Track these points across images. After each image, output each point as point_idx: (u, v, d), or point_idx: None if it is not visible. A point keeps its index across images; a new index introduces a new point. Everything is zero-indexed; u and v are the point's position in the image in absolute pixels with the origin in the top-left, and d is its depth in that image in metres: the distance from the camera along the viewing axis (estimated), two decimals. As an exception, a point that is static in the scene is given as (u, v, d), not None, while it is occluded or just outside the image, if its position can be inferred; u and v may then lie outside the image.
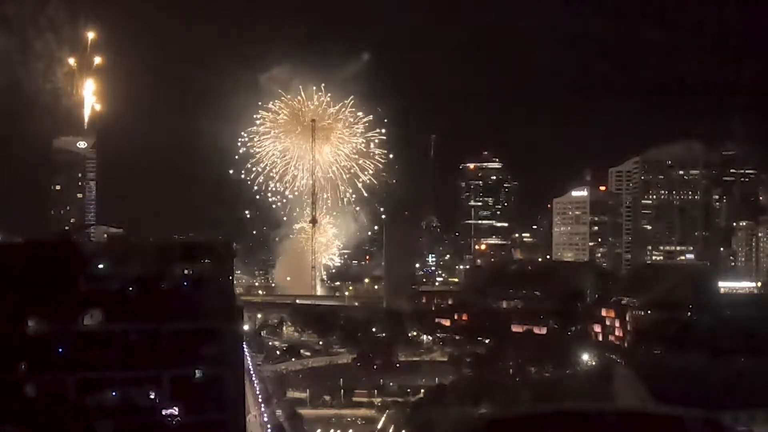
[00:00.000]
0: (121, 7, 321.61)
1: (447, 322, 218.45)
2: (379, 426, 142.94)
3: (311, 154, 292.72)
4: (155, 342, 60.53)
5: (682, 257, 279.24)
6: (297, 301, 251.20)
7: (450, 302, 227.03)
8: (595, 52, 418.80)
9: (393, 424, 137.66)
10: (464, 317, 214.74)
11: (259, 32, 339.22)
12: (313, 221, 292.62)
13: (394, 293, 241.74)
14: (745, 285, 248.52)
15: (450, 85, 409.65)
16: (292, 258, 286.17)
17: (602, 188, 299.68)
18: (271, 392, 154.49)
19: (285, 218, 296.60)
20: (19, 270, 59.69)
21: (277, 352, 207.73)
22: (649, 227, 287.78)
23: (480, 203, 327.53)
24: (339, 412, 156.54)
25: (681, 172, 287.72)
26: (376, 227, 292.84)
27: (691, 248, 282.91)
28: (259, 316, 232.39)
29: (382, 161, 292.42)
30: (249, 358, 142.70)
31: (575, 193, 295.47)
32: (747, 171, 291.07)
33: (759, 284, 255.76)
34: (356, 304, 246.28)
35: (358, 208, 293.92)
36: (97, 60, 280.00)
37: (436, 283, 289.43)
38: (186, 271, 64.63)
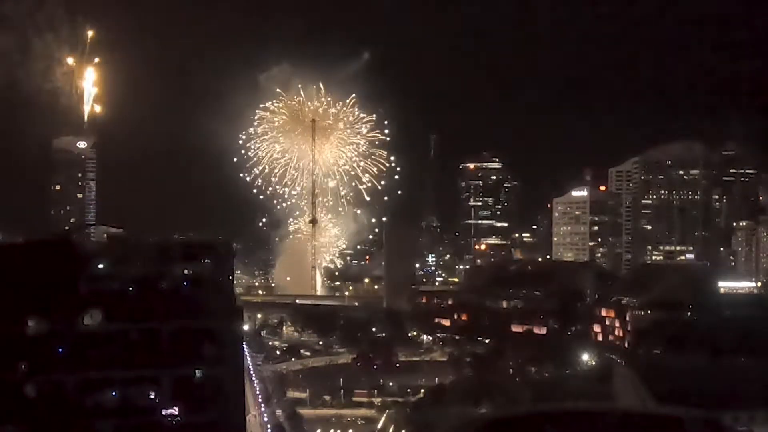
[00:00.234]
0: (121, 6, 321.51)
1: (447, 322, 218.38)
2: (379, 426, 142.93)
3: (311, 154, 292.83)
4: (155, 342, 60.51)
5: (682, 257, 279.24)
6: (297, 301, 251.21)
7: (450, 302, 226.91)
8: (595, 52, 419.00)
9: (393, 424, 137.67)
10: (464, 317, 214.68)
11: (259, 32, 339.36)
12: (313, 221, 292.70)
13: (394, 293, 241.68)
14: (745, 285, 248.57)
15: (450, 85, 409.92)
16: (292, 258, 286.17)
17: (602, 188, 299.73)
18: (271, 392, 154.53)
19: (286, 218, 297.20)
20: (19, 270, 59.67)
21: (277, 352, 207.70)
22: (649, 227, 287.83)
23: (480, 203, 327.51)
24: (339, 412, 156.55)
25: (681, 172, 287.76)
26: (376, 227, 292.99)
27: (691, 248, 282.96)
28: (259, 316, 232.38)
29: (383, 161, 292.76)
30: (249, 358, 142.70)
31: (575, 193, 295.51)
32: (747, 171, 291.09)
33: (759, 284, 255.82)
34: (356, 304, 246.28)
35: (359, 212, 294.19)
36: (97, 60, 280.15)
37: (436, 283, 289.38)
38: (186, 271, 64.58)
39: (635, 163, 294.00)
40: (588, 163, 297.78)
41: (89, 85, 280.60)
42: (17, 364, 58.52)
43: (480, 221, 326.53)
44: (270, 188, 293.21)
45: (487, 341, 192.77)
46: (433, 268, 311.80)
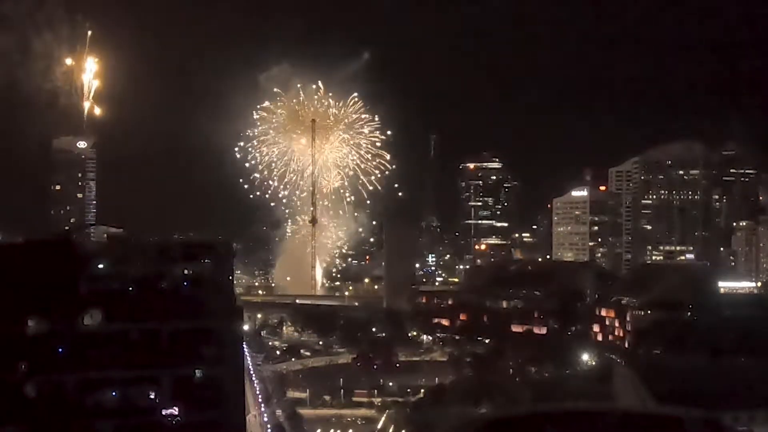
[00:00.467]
0: (121, 5, 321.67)
1: (447, 322, 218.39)
2: (379, 426, 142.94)
3: (311, 155, 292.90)
4: (155, 342, 60.51)
5: (682, 257, 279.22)
6: (297, 301, 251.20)
7: (450, 302, 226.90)
8: (596, 52, 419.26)
9: (393, 424, 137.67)
10: (464, 317, 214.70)
11: (258, 32, 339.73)
12: (313, 221, 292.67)
13: (394, 293, 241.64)
14: (745, 285, 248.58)
15: (450, 85, 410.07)
16: (292, 258, 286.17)
17: (602, 188, 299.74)
18: (271, 392, 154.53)
19: (286, 218, 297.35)
20: (19, 270, 59.67)
21: (277, 352, 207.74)
22: (649, 227, 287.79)
23: (480, 203, 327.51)
24: (339, 412, 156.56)
25: (681, 172, 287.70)
26: (376, 227, 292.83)
27: (691, 248, 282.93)
28: (259, 316, 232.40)
29: (383, 161, 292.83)
30: (249, 358, 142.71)
31: (575, 193, 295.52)
32: (747, 171, 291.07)
33: (759, 284, 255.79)
34: (356, 304, 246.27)
35: (359, 212, 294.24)
36: (96, 60, 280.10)
37: (436, 283, 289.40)
38: (186, 271, 64.58)
39: (635, 163, 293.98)
40: (588, 163, 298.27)
41: (89, 78, 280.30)
42: (17, 364, 58.53)
43: (480, 221, 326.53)
44: (270, 188, 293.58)
45: (487, 341, 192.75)
46: (433, 268, 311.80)
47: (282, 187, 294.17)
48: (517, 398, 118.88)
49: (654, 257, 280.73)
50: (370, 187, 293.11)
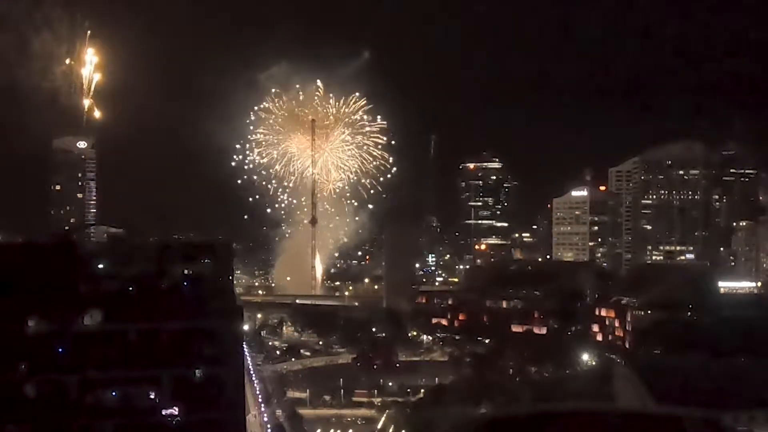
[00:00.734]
0: (121, 5, 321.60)
1: (447, 322, 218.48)
2: (379, 426, 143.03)
3: (311, 154, 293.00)
4: (155, 342, 60.52)
5: (682, 257, 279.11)
6: (297, 301, 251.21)
7: (450, 302, 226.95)
8: (596, 53, 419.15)
9: (393, 424, 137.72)
10: (464, 317, 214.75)
11: (258, 31, 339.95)
12: (313, 221, 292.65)
13: (394, 293, 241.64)
14: (745, 285, 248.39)
15: (450, 85, 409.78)
16: (292, 258, 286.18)
17: (602, 188, 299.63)
18: (271, 392, 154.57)
19: (285, 218, 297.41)
20: (19, 270, 59.68)
21: (277, 352, 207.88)
22: (649, 227, 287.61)
23: (480, 203, 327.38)
24: (339, 412, 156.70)
25: (681, 172, 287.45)
26: (376, 227, 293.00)
27: (691, 248, 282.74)
28: (259, 316, 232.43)
29: (383, 161, 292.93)
30: (249, 358, 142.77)
31: (575, 193, 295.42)
32: (747, 171, 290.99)
33: (759, 284, 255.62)
34: (356, 304, 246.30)
35: (359, 212, 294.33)
36: (96, 59, 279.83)
37: (436, 283, 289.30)
38: (186, 271, 64.60)
39: (635, 163, 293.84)
40: (588, 163, 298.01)
41: (89, 84, 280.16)
42: (17, 364, 58.53)
43: (480, 221, 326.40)
44: (270, 188, 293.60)
45: (487, 341, 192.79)
46: (433, 268, 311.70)
47: (282, 187, 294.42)
48: (517, 398, 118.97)
49: (654, 257, 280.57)
50: (370, 188, 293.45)
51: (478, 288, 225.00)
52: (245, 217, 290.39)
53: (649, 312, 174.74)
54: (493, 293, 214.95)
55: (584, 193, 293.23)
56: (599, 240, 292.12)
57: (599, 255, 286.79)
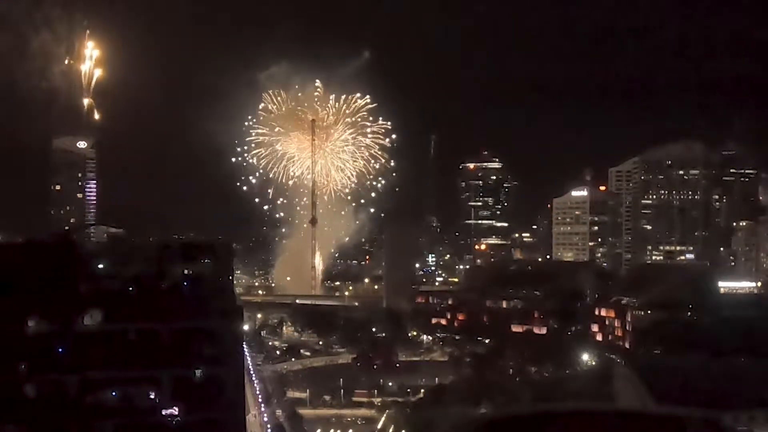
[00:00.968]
0: (121, 4, 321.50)
1: (447, 322, 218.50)
2: (379, 426, 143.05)
3: (311, 154, 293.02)
4: (155, 342, 60.52)
5: (682, 257, 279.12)
6: (297, 301, 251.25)
7: (450, 302, 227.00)
8: (596, 53, 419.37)
9: (393, 424, 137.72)
10: (464, 317, 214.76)
11: (258, 31, 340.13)
12: (313, 221, 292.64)
13: (394, 293, 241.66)
14: (745, 285, 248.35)
15: (450, 85, 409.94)
16: (292, 258, 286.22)
17: (602, 188, 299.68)
18: (271, 392, 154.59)
19: (285, 218, 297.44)
20: (19, 270, 59.67)
21: (277, 352, 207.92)
22: (649, 227, 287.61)
23: (480, 203, 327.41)
24: (339, 412, 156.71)
25: (681, 172, 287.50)
26: (376, 227, 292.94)
27: (691, 248, 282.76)
28: (259, 316, 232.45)
29: (383, 161, 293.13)
30: (249, 358, 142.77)
31: (575, 193, 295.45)
32: (747, 171, 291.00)
33: (759, 284, 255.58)
34: (356, 304, 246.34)
35: (359, 212, 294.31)
36: (97, 52, 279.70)
37: (436, 283, 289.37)
38: (186, 271, 64.60)
39: (635, 163, 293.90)
40: (588, 163, 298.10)
41: (89, 85, 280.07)
42: (17, 364, 58.53)
43: (480, 221, 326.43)
44: (270, 188, 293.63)
45: (487, 341, 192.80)
46: (433, 268, 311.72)
47: (282, 187, 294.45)
48: (517, 398, 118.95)
49: (654, 257, 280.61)
50: (370, 188, 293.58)
51: (478, 288, 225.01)
52: (245, 217, 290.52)
53: (649, 312, 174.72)
54: (493, 293, 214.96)
55: (584, 193, 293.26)
56: (599, 240, 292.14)
57: (599, 255, 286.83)
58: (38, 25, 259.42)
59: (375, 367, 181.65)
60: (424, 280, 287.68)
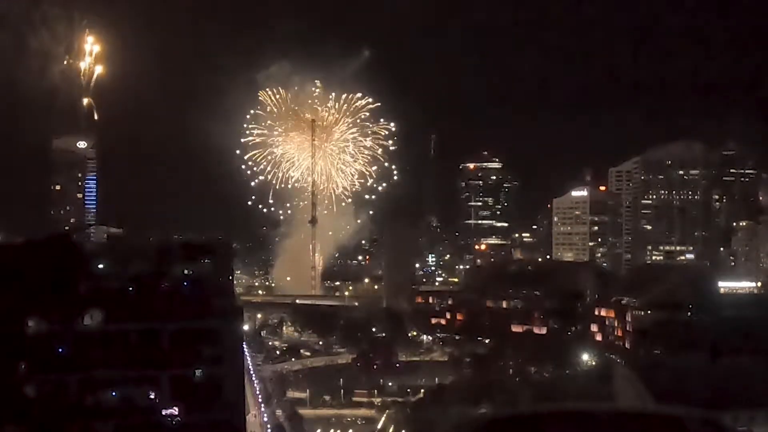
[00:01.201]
0: (120, 4, 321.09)
1: (447, 322, 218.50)
2: (379, 426, 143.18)
3: (311, 154, 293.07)
4: (155, 342, 60.54)
5: (682, 257, 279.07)
6: (297, 301, 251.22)
7: (450, 302, 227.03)
8: (596, 52, 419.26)
9: (393, 424, 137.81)
10: (464, 317, 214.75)
11: (258, 30, 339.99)
12: (313, 221, 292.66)
13: (394, 293, 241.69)
14: (745, 285, 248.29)
15: (450, 84, 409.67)
16: (292, 258, 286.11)
17: (602, 188, 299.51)
18: (271, 392, 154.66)
19: (285, 218, 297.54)
20: (19, 270, 59.67)
21: (277, 352, 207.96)
22: (649, 227, 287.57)
23: (480, 203, 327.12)
24: (339, 412, 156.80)
25: (681, 172, 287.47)
26: (376, 227, 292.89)
27: (691, 248, 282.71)
28: (259, 316, 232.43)
29: (383, 161, 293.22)
30: (249, 358, 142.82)
31: (575, 193, 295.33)
32: (747, 171, 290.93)
33: (759, 284, 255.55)
34: (356, 304, 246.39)
35: (359, 212, 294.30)
36: (96, 56, 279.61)
37: (436, 283, 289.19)
38: (186, 271, 64.62)
39: (635, 163, 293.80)
40: (588, 163, 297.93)
41: (89, 84, 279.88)
42: (17, 364, 58.53)
43: (480, 221, 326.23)
44: (270, 188, 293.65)
45: (487, 341, 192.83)
46: (433, 268, 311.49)
47: (282, 186, 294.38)
48: (517, 398, 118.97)
49: (654, 257, 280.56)
50: (370, 188, 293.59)
51: (478, 288, 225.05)
52: (245, 217, 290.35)
53: (649, 312, 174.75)
54: (493, 293, 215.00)
55: (584, 193, 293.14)
56: (599, 240, 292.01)
57: (599, 255, 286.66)
58: (38, 23, 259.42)
59: (375, 367, 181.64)
60: (424, 280, 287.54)
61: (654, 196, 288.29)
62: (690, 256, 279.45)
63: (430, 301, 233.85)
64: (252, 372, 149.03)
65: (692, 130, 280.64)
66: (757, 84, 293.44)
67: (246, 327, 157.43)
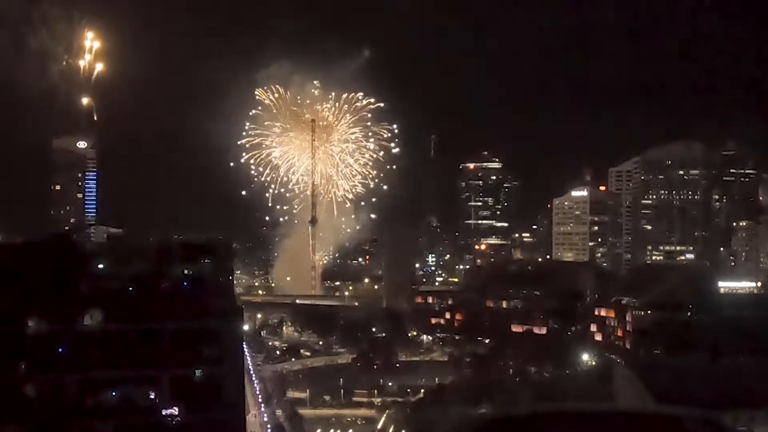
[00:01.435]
0: (120, 3, 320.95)
1: (447, 322, 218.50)
2: (379, 426, 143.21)
3: (311, 154, 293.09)
4: (155, 342, 60.53)
5: (682, 257, 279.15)
6: (297, 301, 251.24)
7: (450, 302, 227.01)
8: (596, 52, 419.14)
9: (393, 424, 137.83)
10: (464, 317, 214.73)
11: (259, 30, 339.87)
12: (313, 221, 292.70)
13: (394, 293, 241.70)
14: (745, 285, 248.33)
15: (450, 84, 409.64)
16: (292, 258, 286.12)
17: (602, 188, 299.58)
18: (271, 392, 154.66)
19: (285, 218, 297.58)
20: (19, 270, 59.67)
21: (277, 352, 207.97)
22: (649, 227, 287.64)
23: (480, 203, 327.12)
24: (339, 412, 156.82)
25: (681, 172, 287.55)
26: (376, 227, 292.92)
27: (691, 248, 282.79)
28: (259, 316, 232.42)
29: (383, 161, 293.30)
30: (249, 358, 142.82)
31: (575, 193, 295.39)
32: (747, 171, 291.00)
33: (759, 284, 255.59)
34: (356, 304, 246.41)
35: (357, 215, 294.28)
36: (97, 58, 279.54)
37: (436, 283, 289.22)
38: (186, 271, 64.63)
39: (635, 163, 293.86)
40: (588, 163, 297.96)
41: (89, 84, 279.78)
42: (17, 364, 58.53)
43: (480, 221, 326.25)
44: (270, 188, 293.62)
45: (487, 341, 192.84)
46: (433, 268, 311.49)
47: (282, 186, 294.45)
48: (517, 398, 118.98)
49: (654, 257, 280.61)
50: (370, 187, 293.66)
51: (478, 288, 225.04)
52: (245, 217, 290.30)
53: (649, 312, 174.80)
54: (493, 293, 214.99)
55: (584, 193, 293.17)
56: (599, 240, 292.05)
57: (599, 255, 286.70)
58: (37, 22, 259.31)
59: (375, 367, 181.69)
60: (424, 280, 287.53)
61: (654, 196, 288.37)
62: (690, 256, 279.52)
63: (430, 301, 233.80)
64: (252, 372, 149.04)
65: (692, 130, 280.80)
66: (757, 84, 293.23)
67: (246, 327, 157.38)
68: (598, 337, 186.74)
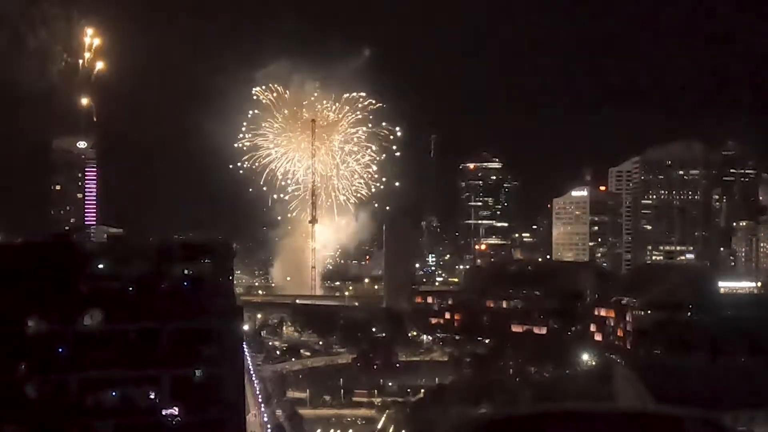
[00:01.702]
0: (119, 3, 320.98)
1: (447, 322, 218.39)
2: (379, 426, 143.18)
3: (311, 154, 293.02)
4: (155, 342, 60.52)
5: (682, 257, 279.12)
6: (297, 301, 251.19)
7: (450, 302, 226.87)
8: (596, 52, 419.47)
9: (393, 424, 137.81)
10: (464, 317, 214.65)
11: (259, 30, 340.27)
12: (313, 221, 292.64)
13: (394, 293, 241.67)
14: (745, 285, 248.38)
15: (450, 84, 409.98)
16: (292, 258, 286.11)
17: (602, 188, 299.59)
18: (271, 392, 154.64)
19: (285, 218, 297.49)
20: (19, 270, 59.67)
21: (277, 352, 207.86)
22: (649, 227, 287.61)
23: (480, 203, 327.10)
24: (339, 412, 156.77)
25: (681, 172, 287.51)
26: (376, 227, 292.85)
27: (691, 248, 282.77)
28: (259, 316, 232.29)
29: (383, 161, 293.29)
30: (249, 358, 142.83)
31: (575, 193, 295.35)
32: (747, 171, 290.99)
33: (759, 284, 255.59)
34: (356, 304, 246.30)
35: (357, 215, 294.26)
36: (97, 57, 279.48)
37: (436, 283, 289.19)
38: (186, 271, 64.62)
39: (635, 163, 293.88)
40: (588, 163, 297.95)
41: (89, 84, 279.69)
42: (17, 364, 58.52)
43: (480, 221, 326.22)
44: (270, 188, 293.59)
45: (487, 341, 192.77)
46: (433, 268, 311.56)
47: (282, 186, 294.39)
48: (517, 398, 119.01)
49: (654, 257, 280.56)
50: (370, 187, 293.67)
51: (478, 288, 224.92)
52: (245, 217, 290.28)
53: (649, 312, 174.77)
54: (493, 293, 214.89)
55: (584, 193, 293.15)
56: (599, 240, 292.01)
57: (599, 255, 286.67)
58: (37, 22, 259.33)
59: (375, 367, 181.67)
60: (424, 280, 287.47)
61: (654, 196, 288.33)
62: (690, 256, 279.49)
63: (430, 301, 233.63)
64: (252, 372, 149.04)
65: (692, 130, 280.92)
66: (757, 84, 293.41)
67: (246, 327, 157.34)
68: (598, 337, 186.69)
